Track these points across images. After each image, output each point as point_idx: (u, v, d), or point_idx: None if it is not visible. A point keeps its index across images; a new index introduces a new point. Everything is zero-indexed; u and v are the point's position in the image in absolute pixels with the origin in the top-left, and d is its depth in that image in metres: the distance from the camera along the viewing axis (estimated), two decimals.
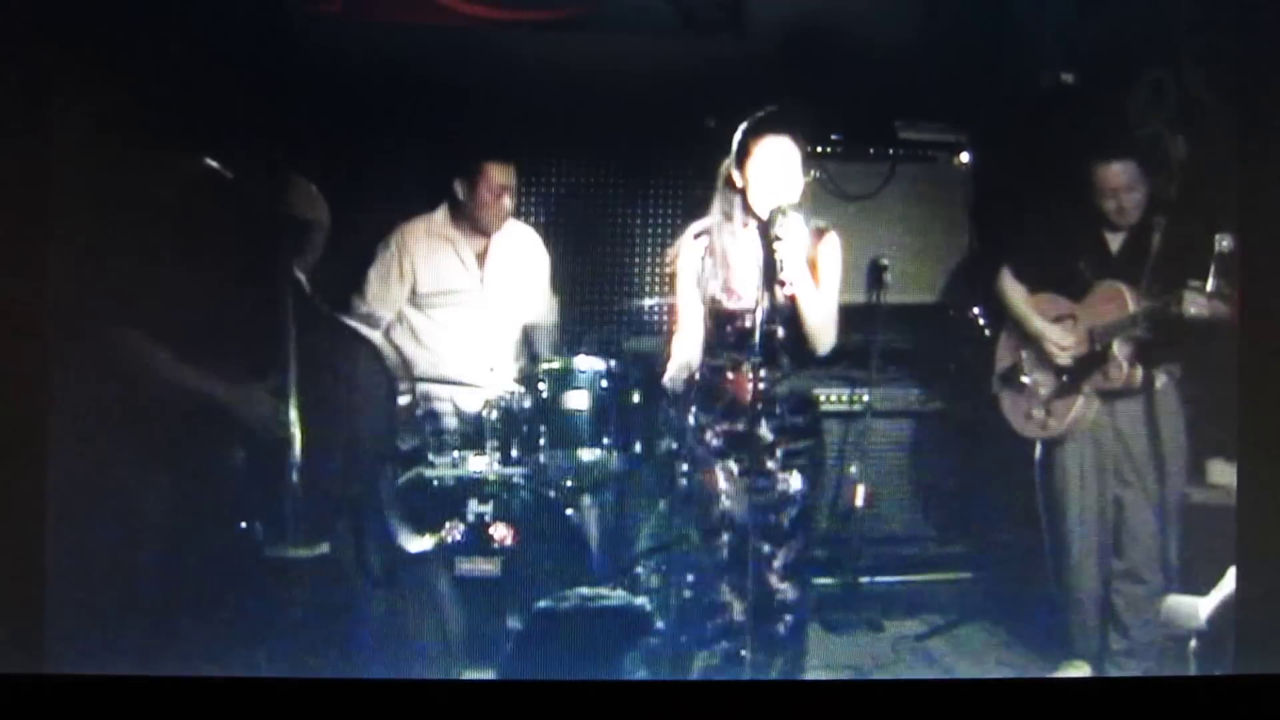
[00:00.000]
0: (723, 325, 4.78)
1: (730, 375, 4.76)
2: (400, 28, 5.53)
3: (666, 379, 4.86)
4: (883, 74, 5.63)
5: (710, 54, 5.57)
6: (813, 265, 4.72)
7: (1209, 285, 4.86)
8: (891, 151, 5.73)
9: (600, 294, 5.89)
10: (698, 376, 4.81)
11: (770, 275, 4.64)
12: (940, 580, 5.69)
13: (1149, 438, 5.12)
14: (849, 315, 5.52)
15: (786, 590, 4.80)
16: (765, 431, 4.76)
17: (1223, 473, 5.08)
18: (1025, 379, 5.29)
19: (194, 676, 4.28)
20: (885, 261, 5.57)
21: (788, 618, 4.80)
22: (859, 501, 5.56)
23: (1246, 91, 4.79)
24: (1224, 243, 4.83)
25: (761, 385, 4.70)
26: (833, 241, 4.79)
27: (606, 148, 5.84)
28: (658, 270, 5.84)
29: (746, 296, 4.73)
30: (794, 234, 4.64)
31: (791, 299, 4.68)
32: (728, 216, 4.76)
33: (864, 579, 5.58)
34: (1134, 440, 5.14)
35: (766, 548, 4.75)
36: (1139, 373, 5.09)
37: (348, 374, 4.54)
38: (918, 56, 5.63)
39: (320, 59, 5.21)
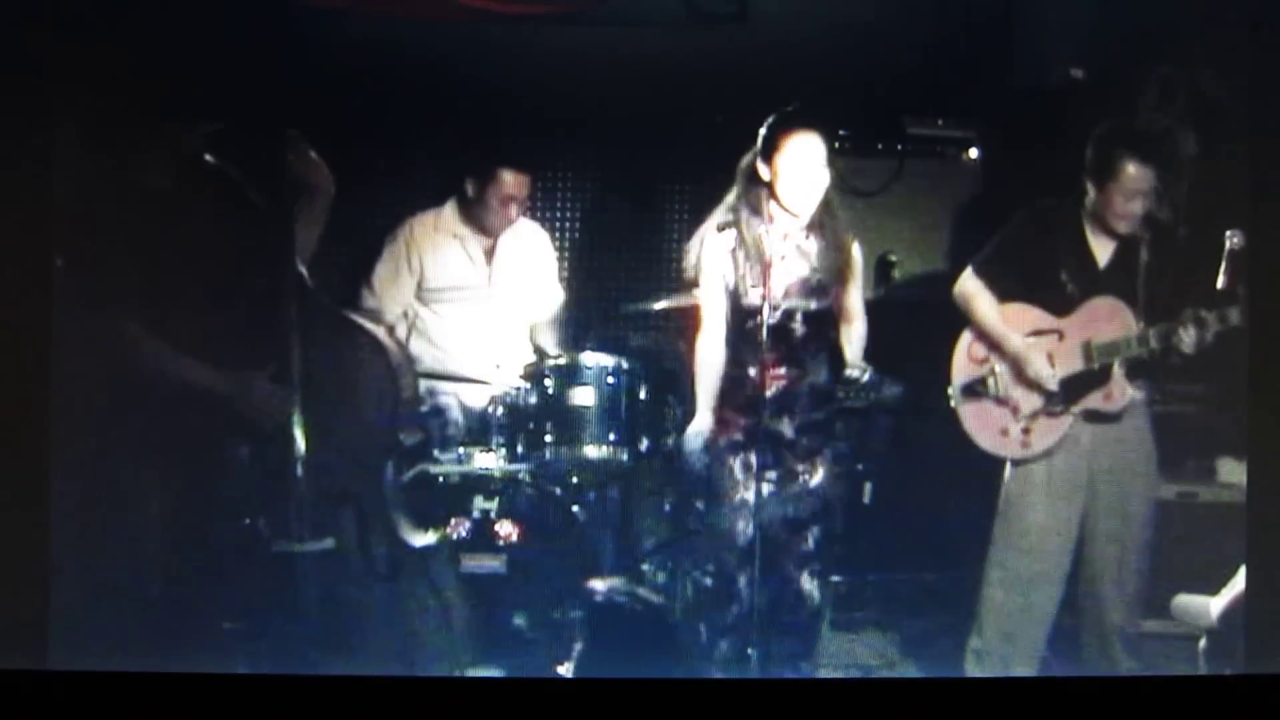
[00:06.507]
0: (747, 320, 4.76)
1: (752, 371, 4.75)
2: (409, 22, 5.51)
3: (697, 378, 4.81)
4: (891, 69, 5.62)
5: (718, 49, 5.55)
6: (843, 259, 4.74)
7: (1224, 293, 4.70)
8: (900, 147, 5.72)
9: (607, 290, 5.88)
10: (723, 373, 4.79)
11: (804, 270, 4.70)
12: (945, 579, 5.66)
13: (1150, 456, 4.94)
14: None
15: (802, 586, 4.81)
16: (786, 428, 4.77)
17: (1232, 471, 5.07)
18: (999, 393, 4.98)
19: (197, 673, 4.26)
20: (893, 257, 5.55)
21: (802, 615, 4.80)
22: (867, 499, 5.54)
23: (1258, 89, 4.76)
24: (1237, 243, 4.71)
25: (785, 381, 4.73)
26: (854, 237, 4.83)
27: (616, 144, 5.83)
28: (665, 267, 5.82)
29: (777, 291, 4.72)
30: (825, 228, 4.68)
31: (824, 293, 4.72)
32: (754, 211, 4.74)
33: (872, 577, 5.56)
34: (1133, 459, 4.93)
35: (784, 544, 4.77)
36: (1144, 393, 4.88)
37: (353, 369, 4.54)
38: (927, 51, 5.62)
39: (329, 52, 5.20)
